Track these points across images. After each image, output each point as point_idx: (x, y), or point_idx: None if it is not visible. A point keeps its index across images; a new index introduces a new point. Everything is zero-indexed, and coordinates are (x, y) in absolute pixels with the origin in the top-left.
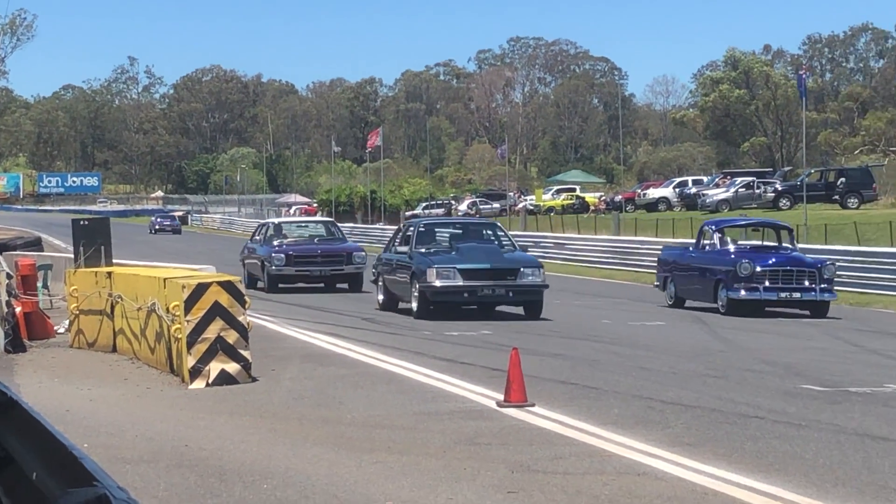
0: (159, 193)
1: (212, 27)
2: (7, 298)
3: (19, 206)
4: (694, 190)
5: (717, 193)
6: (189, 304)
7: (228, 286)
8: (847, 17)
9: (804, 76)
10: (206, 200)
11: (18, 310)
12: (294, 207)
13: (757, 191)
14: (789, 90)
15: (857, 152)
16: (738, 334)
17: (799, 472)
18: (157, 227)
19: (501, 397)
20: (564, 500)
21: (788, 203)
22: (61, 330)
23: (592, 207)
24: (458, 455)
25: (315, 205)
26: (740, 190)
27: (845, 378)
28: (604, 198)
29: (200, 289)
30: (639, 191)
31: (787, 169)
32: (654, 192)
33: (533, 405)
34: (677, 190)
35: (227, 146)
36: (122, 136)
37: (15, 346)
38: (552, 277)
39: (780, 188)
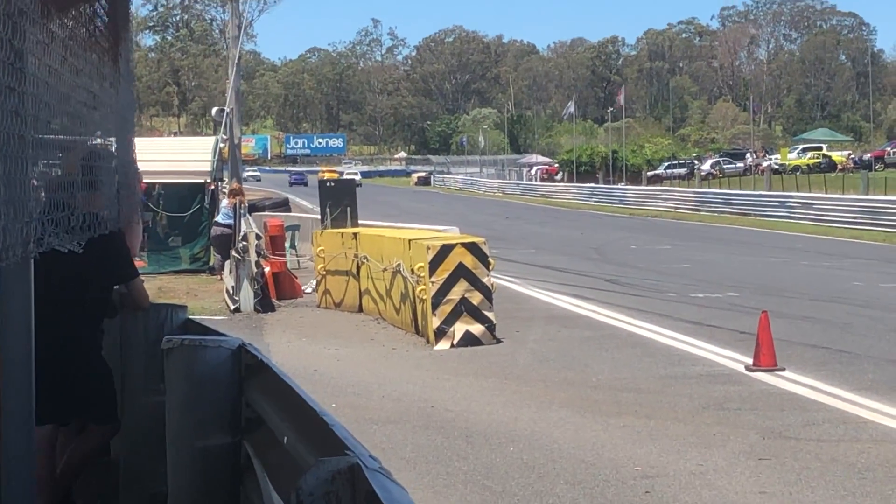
0: (402, 154)
1: None
2: (256, 259)
3: (268, 168)
4: None
5: None
6: (434, 265)
7: (472, 247)
8: None
9: None
10: (449, 161)
11: (267, 270)
12: (535, 168)
13: None
14: None
15: None
16: None
17: None
18: (292, 181)
19: (750, 361)
20: (818, 468)
21: None
22: (308, 290)
23: (840, 166)
24: (707, 420)
25: (556, 165)
26: None
27: None
28: (852, 156)
29: (445, 250)
30: (889, 149)
31: None
32: None
33: (783, 369)
34: None
35: (468, 107)
36: (365, 97)
37: (264, 305)
38: (798, 237)
39: None
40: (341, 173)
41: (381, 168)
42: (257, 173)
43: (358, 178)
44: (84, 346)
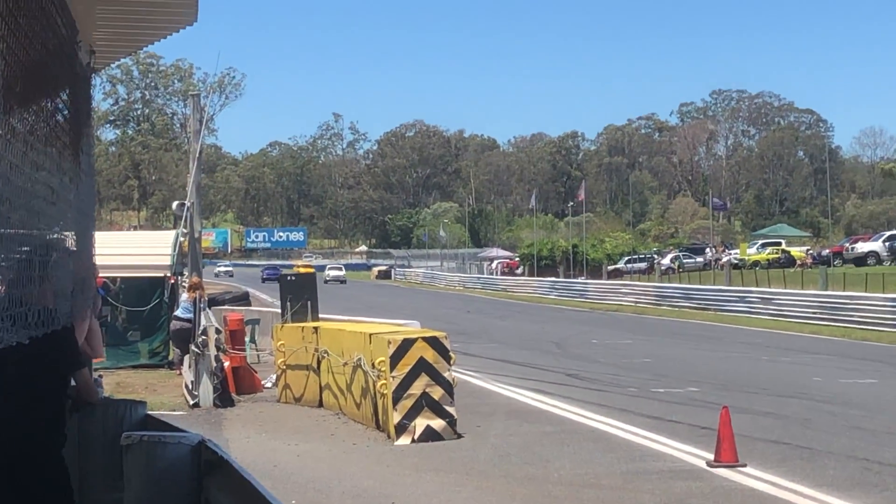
0: (363, 248)
1: (415, 83)
2: (216, 353)
3: (227, 262)
4: None
5: None
6: (394, 360)
7: (434, 342)
8: None
9: None
10: (409, 255)
11: (227, 364)
12: (496, 262)
13: None
14: None
15: None
16: None
17: None
18: (265, 276)
19: (711, 457)
20: None
21: None
22: (269, 384)
23: (799, 262)
24: None
25: (517, 259)
26: None
27: None
28: (811, 252)
29: (406, 345)
30: (847, 245)
31: None
32: (862, 246)
33: (744, 465)
34: (887, 244)
35: (429, 201)
36: (327, 191)
37: (223, 400)
38: (758, 332)
39: None
40: (322, 269)
41: (342, 262)
42: (230, 269)
43: (342, 273)
44: (38, 442)
